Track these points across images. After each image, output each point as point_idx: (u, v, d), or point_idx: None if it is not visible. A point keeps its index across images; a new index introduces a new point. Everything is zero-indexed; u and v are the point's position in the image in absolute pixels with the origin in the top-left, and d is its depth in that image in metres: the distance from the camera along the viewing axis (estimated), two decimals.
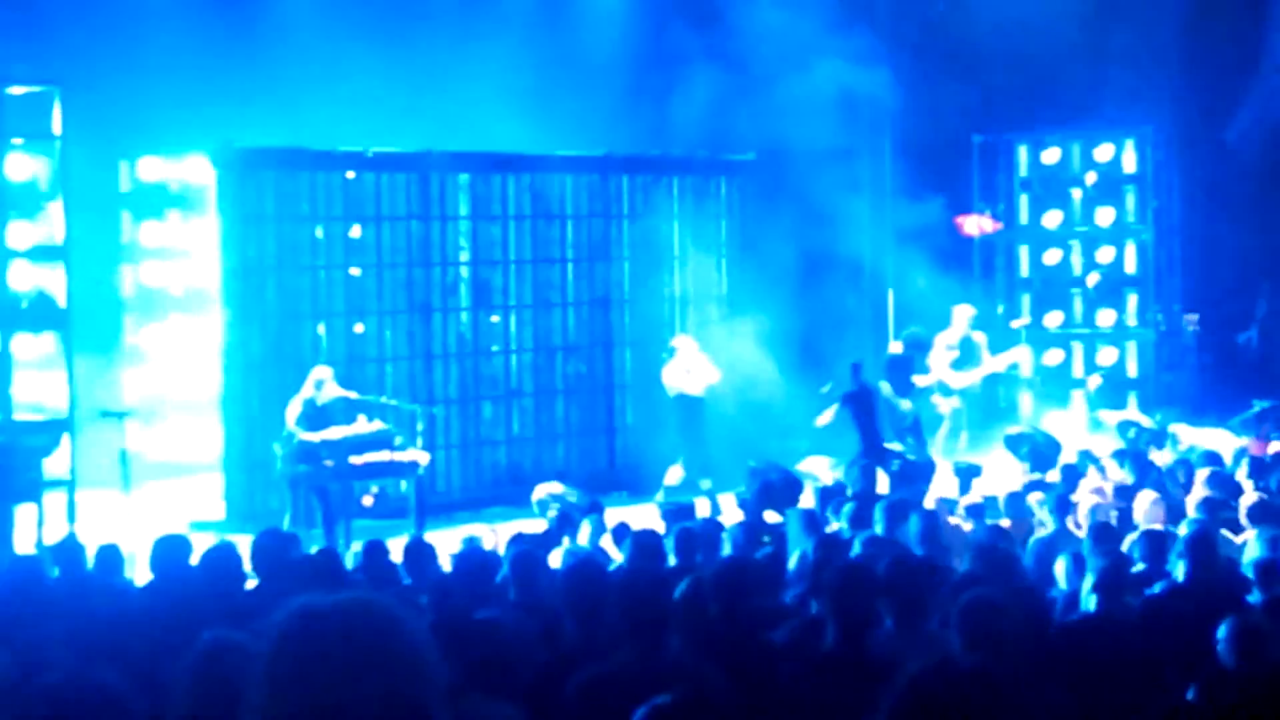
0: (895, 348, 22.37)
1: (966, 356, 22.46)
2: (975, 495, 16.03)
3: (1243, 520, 12.90)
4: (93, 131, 17.90)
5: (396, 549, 12.81)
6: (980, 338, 22.64)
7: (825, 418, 20.58)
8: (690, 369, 20.56)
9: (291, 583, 10.39)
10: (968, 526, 14.30)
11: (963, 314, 22.62)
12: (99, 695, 4.51)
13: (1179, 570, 10.77)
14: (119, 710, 4.51)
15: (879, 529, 13.03)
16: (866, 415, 20.23)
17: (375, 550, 12.45)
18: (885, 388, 21.26)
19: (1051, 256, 25.52)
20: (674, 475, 20.28)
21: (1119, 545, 11.66)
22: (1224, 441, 19.49)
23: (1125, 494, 14.52)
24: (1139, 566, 10.93)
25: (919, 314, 23.47)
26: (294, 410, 17.55)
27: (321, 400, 17.64)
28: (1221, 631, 7.90)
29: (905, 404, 21.23)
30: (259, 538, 11.34)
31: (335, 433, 17.51)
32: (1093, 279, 25.17)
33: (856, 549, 11.76)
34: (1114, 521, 13.05)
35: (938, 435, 22.08)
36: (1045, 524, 13.68)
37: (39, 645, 6.47)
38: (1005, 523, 14.34)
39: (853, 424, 20.25)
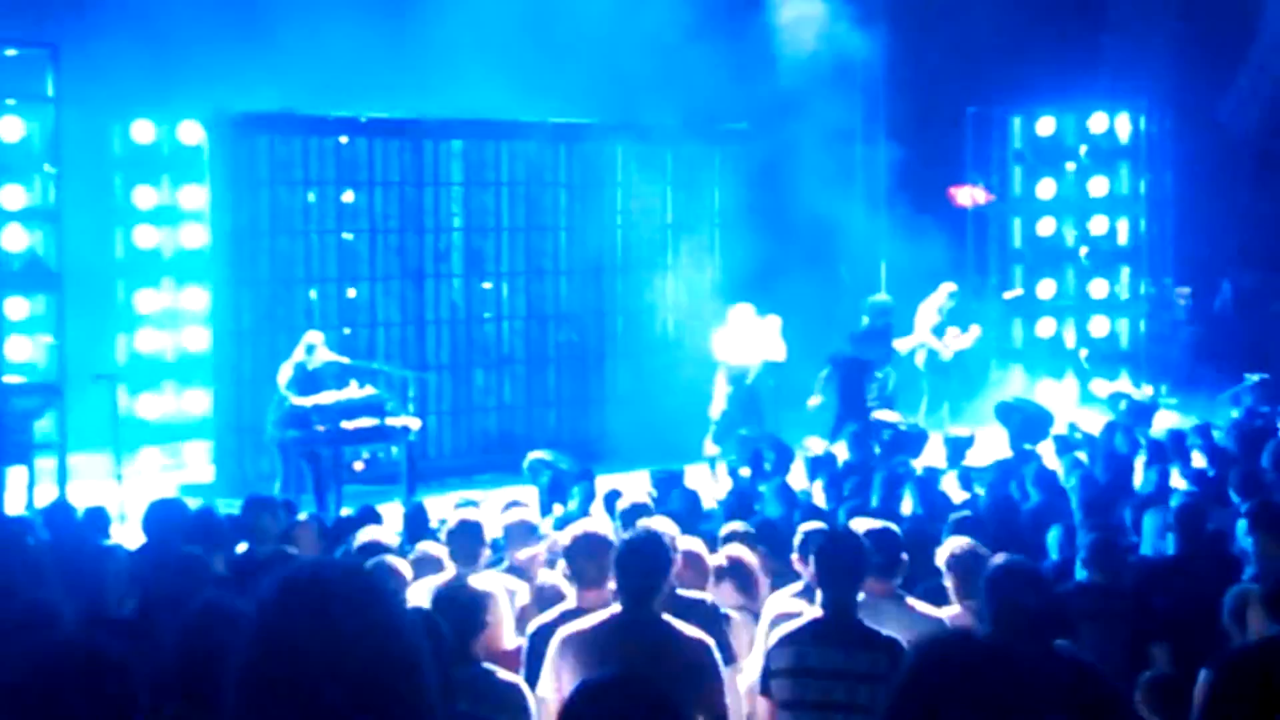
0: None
1: (944, 328, 22.48)
2: (967, 465, 16.07)
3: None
4: (86, 94, 17.86)
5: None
6: (949, 305, 22.67)
7: (815, 399, 20.68)
8: (743, 339, 20.45)
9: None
10: (960, 496, 14.32)
11: (945, 288, 22.62)
12: (93, 656, 4.52)
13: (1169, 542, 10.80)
14: (114, 670, 4.52)
15: (874, 499, 13.07)
16: (855, 383, 20.28)
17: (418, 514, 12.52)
18: (908, 342, 21.44)
19: (1044, 228, 25.50)
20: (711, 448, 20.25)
21: (1109, 517, 11.69)
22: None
23: (1118, 464, 14.53)
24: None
25: (911, 285, 23.45)
26: (285, 375, 17.54)
27: (313, 365, 17.64)
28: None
29: (879, 374, 21.34)
30: (247, 503, 11.37)
31: (327, 398, 17.50)
32: (1084, 252, 25.14)
33: (842, 518, 11.78)
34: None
35: (920, 406, 22.08)
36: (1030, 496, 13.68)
37: (28, 606, 6.46)
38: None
39: (837, 391, 20.31)
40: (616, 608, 7.23)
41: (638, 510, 10.78)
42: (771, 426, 19.68)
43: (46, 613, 6.22)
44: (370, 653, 3.38)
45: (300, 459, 17.55)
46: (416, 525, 12.52)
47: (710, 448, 20.10)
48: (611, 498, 13.36)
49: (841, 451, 17.03)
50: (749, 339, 20.43)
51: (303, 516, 12.38)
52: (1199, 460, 15.05)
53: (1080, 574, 9.39)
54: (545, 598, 8.86)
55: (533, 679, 7.27)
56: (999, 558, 7.45)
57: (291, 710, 3.33)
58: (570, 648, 7.16)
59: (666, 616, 7.19)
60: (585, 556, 7.81)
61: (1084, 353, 25.01)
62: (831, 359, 20.74)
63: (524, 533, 10.47)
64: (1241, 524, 10.07)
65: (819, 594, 7.60)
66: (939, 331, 22.42)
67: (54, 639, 5.07)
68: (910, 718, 3.89)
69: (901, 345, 21.71)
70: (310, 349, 17.67)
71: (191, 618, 5.63)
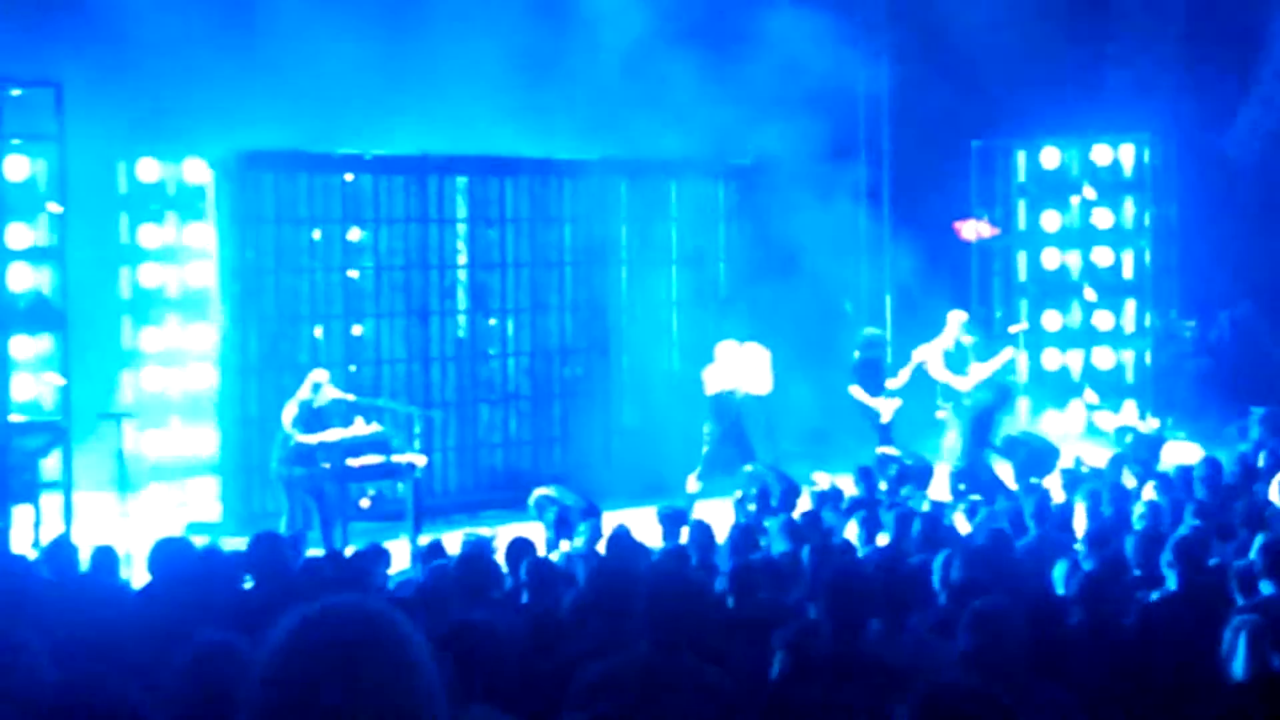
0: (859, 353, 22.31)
1: (959, 362, 22.42)
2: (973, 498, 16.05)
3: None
4: (91, 133, 17.87)
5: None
6: (969, 341, 22.60)
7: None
8: (729, 374, 20.48)
9: (289, 586, 10.41)
10: (966, 529, 14.30)
11: (955, 319, 22.59)
12: (99, 695, 4.51)
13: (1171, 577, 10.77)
14: (120, 711, 4.51)
15: (882, 534, 13.06)
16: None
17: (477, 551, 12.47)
18: (857, 391, 21.35)
19: (1049, 261, 25.51)
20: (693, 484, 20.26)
21: (1112, 550, 11.66)
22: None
23: (1124, 499, 14.51)
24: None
25: (917, 319, 23.45)
26: (290, 412, 17.54)
27: (318, 403, 17.63)
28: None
29: (876, 402, 21.33)
30: (255, 540, 11.34)
31: (332, 435, 17.49)
32: (1089, 294, 25.14)
33: (852, 553, 11.77)
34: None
35: (944, 442, 22.03)
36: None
37: (28, 647, 6.45)
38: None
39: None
40: None
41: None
42: (765, 459, 19.67)
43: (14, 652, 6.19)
44: (389, 699, 3.35)
45: (306, 496, 17.55)
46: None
47: (693, 484, 20.14)
48: (619, 534, 13.36)
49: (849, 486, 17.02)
50: (735, 373, 20.46)
51: (313, 553, 12.38)
52: (1204, 493, 15.02)
53: (1078, 610, 9.37)
54: None
55: None
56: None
57: None
58: None
59: None
60: None
61: (1090, 393, 24.98)
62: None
63: None
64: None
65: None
66: (957, 364, 22.34)
67: (62, 677, 5.06)
68: None
69: (894, 382, 21.66)
70: (316, 387, 17.67)
71: (193, 656, 5.62)
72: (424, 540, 16.15)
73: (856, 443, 21.20)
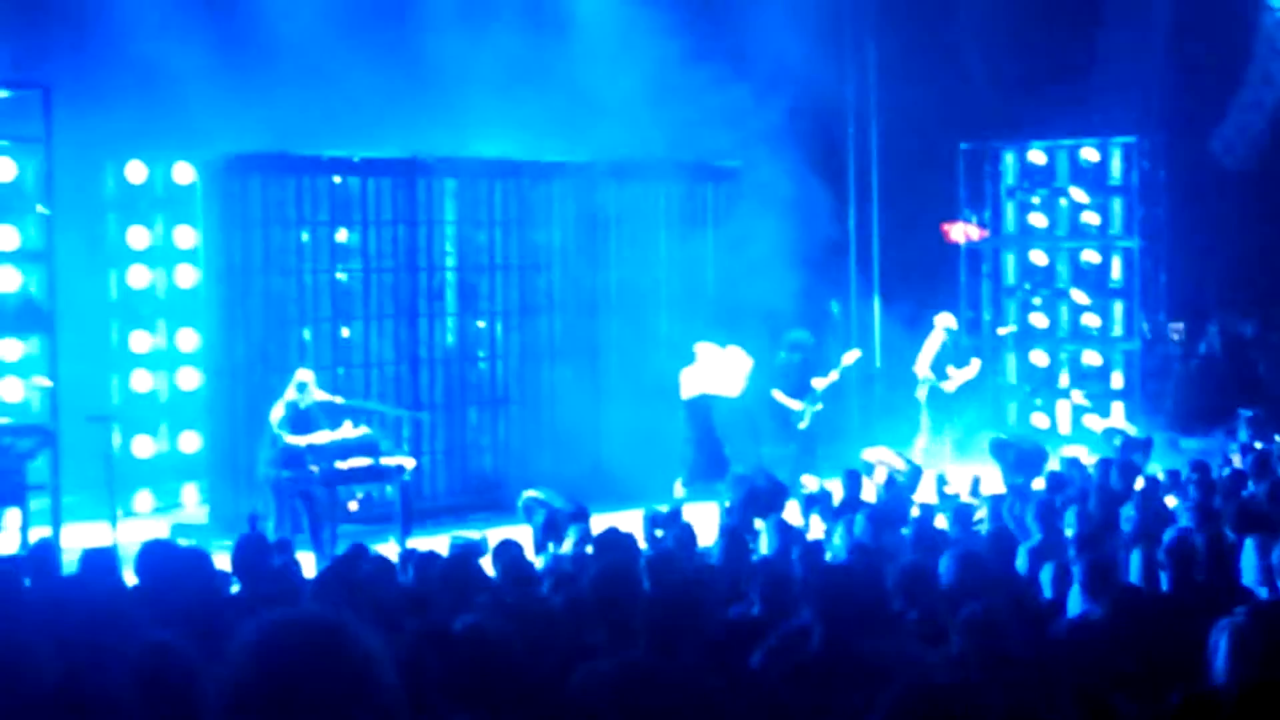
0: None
1: (953, 361, 22.49)
2: (961, 501, 16.04)
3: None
4: (79, 135, 17.84)
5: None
6: (950, 342, 22.65)
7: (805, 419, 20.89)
8: (707, 374, 20.50)
9: (274, 589, 10.39)
10: (952, 531, 14.29)
11: (942, 321, 22.65)
12: (97, 692, 4.50)
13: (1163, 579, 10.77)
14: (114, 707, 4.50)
15: (867, 536, 13.05)
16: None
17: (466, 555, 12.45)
18: (778, 394, 21.41)
19: (1037, 262, 25.56)
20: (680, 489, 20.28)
21: (1103, 552, 11.66)
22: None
23: (1111, 502, 14.52)
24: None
25: (905, 321, 23.49)
26: (277, 414, 17.49)
27: (304, 403, 17.59)
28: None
29: (797, 405, 21.40)
30: (240, 542, 11.31)
31: (321, 437, 17.45)
32: (1077, 295, 25.19)
33: (842, 555, 11.77)
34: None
35: (916, 441, 22.10)
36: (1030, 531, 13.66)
37: (27, 646, 6.43)
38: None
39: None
40: None
41: None
42: (741, 460, 19.70)
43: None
44: (343, 708, 3.37)
45: (295, 498, 17.49)
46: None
47: (679, 489, 20.16)
48: (609, 536, 13.35)
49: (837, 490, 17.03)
50: (710, 376, 20.46)
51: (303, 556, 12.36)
52: (1193, 495, 15.04)
53: (1075, 606, 9.38)
54: None
55: None
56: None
57: None
58: None
59: None
60: None
61: (1077, 394, 25.03)
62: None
63: None
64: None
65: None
66: (939, 366, 22.42)
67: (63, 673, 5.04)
68: None
69: (818, 383, 21.68)
70: (302, 387, 17.62)
71: (139, 656, 5.61)
72: (412, 544, 16.17)
73: (844, 446, 21.24)
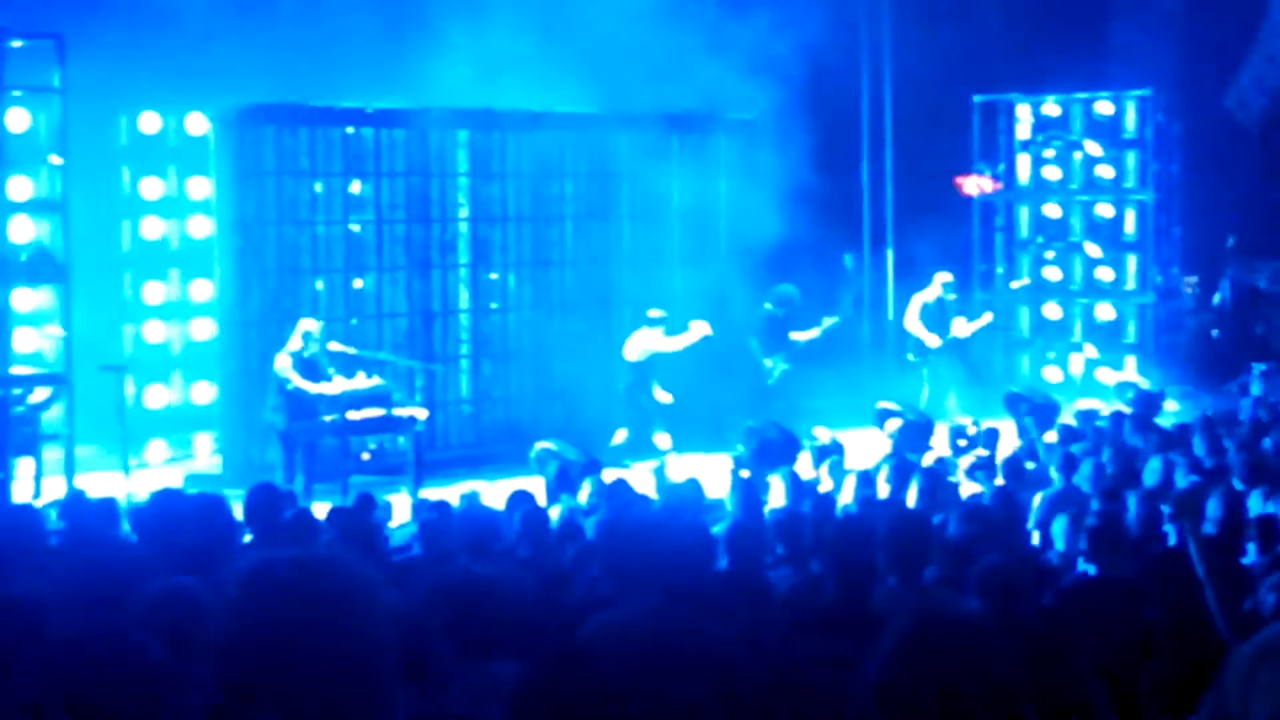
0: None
1: (940, 320, 22.43)
2: (974, 456, 16.04)
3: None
4: (92, 86, 17.82)
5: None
6: (952, 298, 22.62)
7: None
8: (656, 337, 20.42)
9: (284, 539, 10.42)
10: (969, 487, 14.31)
11: (940, 278, 22.61)
12: (116, 647, 4.51)
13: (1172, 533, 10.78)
14: (138, 661, 4.51)
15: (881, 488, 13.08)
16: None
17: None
18: (753, 345, 21.45)
19: (1051, 215, 25.52)
20: (620, 436, 20.26)
21: (1114, 506, 11.67)
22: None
23: (1125, 456, 14.51)
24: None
25: (918, 274, 23.46)
26: (282, 363, 17.45)
27: (308, 353, 17.57)
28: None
29: (767, 362, 21.42)
30: (251, 493, 11.34)
31: (330, 387, 17.47)
32: (1091, 249, 25.16)
33: (853, 507, 11.79)
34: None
35: (920, 397, 22.08)
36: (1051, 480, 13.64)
37: (40, 598, 6.45)
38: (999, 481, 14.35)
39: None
40: None
41: None
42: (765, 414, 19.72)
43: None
44: (331, 654, 3.40)
45: (297, 449, 17.44)
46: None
47: (620, 436, 20.17)
48: (619, 487, 13.38)
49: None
50: (657, 339, 20.32)
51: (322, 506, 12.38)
52: (1204, 449, 15.04)
53: (1083, 565, 9.39)
54: None
55: None
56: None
57: (262, 703, 3.37)
58: None
59: None
60: None
61: (1090, 348, 25.03)
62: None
63: None
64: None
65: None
66: (935, 321, 22.35)
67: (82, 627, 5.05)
68: (897, 691, 3.93)
69: (797, 337, 21.69)
70: (306, 336, 17.61)
71: (150, 601, 5.64)
72: (425, 494, 16.21)
73: (857, 399, 21.21)
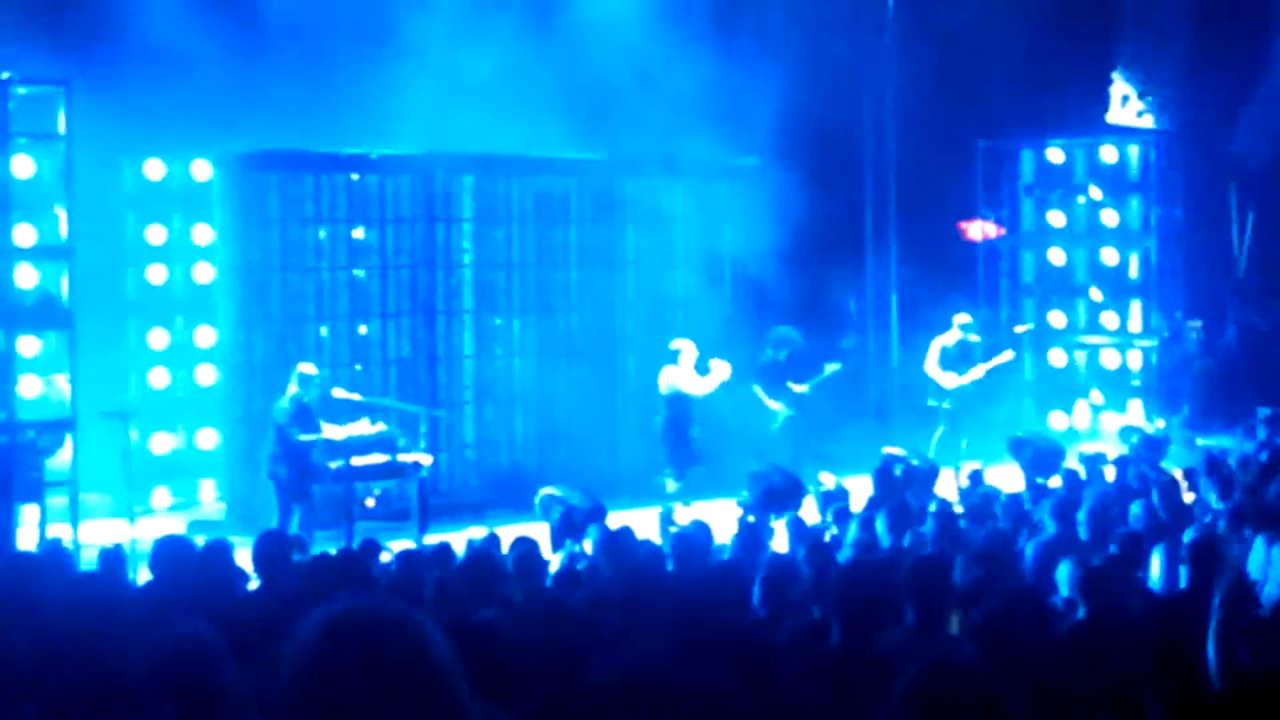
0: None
1: (962, 361, 22.40)
2: (977, 498, 16.01)
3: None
4: (98, 132, 17.86)
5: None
6: (975, 340, 22.58)
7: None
8: (690, 372, 20.34)
9: (292, 586, 10.40)
10: (967, 529, 14.27)
11: (958, 320, 22.60)
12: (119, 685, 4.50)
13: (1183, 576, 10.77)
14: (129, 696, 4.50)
15: (885, 533, 13.05)
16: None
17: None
18: (757, 391, 21.36)
19: (1055, 260, 25.53)
20: (671, 486, 20.20)
21: (1116, 550, 11.65)
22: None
23: (1130, 500, 14.48)
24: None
25: (922, 319, 23.45)
26: (285, 410, 17.43)
27: (308, 397, 17.56)
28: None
29: (775, 405, 21.32)
30: (260, 539, 11.33)
31: (339, 433, 17.47)
32: (1095, 294, 25.16)
33: (850, 553, 11.75)
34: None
35: (933, 438, 22.03)
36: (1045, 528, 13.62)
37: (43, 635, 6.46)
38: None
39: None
40: None
41: None
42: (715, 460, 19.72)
43: None
44: (413, 699, 3.35)
45: (294, 497, 17.39)
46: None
47: (671, 485, 20.08)
48: (623, 535, 13.35)
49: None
50: (688, 375, 20.23)
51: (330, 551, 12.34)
52: (1211, 493, 15.02)
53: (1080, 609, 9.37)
54: None
55: None
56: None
57: None
58: None
59: None
60: None
61: (1095, 394, 25.02)
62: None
63: None
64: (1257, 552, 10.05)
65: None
66: (956, 365, 22.30)
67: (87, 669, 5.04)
68: None
69: (798, 388, 21.57)
70: (304, 379, 17.61)
71: (165, 649, 5.62)
72: (430, 540, 16.17)
73: (862, 444, 21.18)
